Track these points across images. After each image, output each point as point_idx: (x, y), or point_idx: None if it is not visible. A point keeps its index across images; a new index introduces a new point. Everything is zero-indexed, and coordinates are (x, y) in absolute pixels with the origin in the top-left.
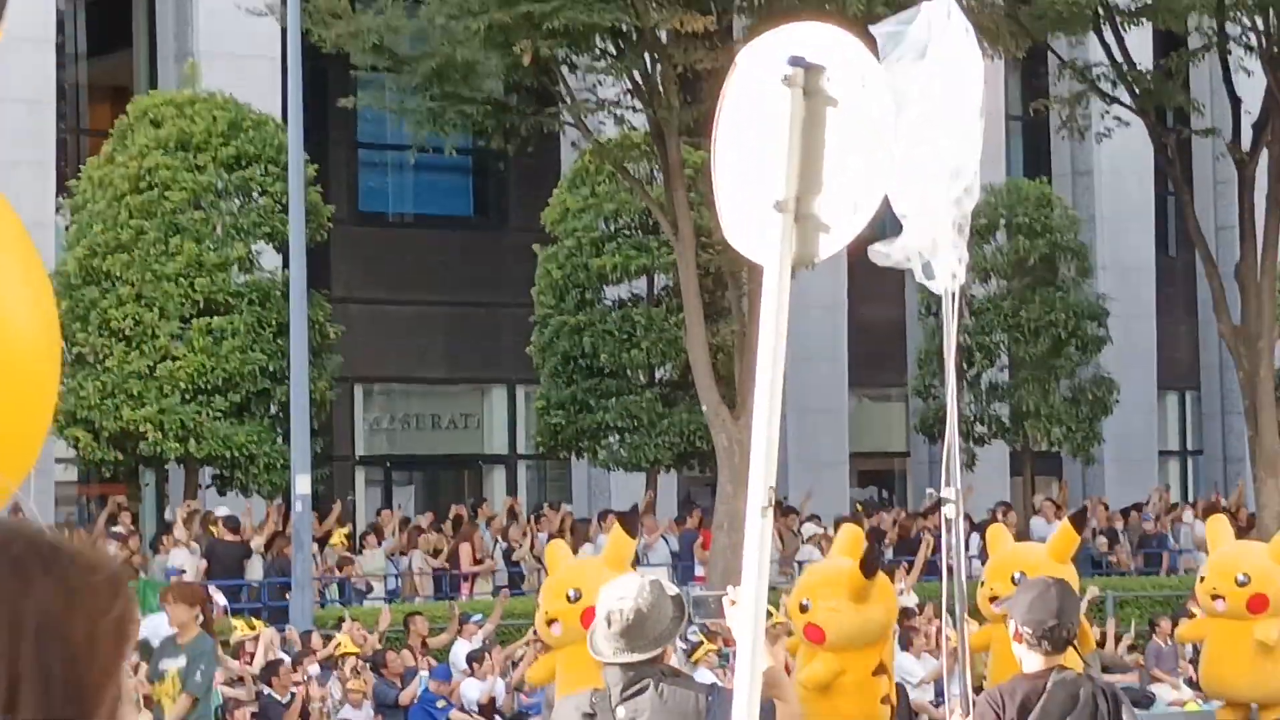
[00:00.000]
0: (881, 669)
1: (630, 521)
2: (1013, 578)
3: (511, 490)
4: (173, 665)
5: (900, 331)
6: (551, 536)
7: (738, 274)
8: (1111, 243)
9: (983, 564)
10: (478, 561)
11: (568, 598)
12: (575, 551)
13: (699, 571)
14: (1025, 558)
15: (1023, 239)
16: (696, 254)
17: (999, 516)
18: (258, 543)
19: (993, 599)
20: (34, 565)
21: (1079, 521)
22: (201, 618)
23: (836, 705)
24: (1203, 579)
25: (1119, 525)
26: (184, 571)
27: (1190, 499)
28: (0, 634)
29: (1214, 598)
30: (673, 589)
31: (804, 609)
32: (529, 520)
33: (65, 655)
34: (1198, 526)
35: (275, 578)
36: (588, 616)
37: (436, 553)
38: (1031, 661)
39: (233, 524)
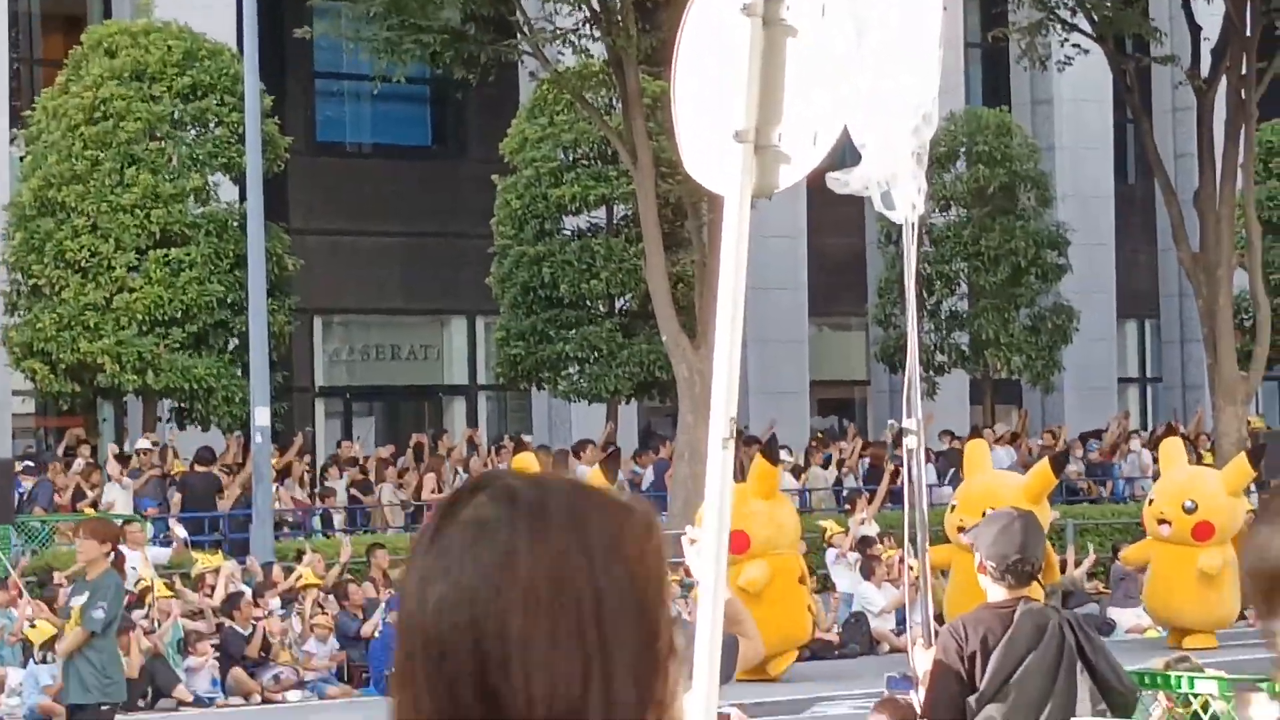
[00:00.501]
0: (803, 579)
1: (610, 465)
2: (984, 514)
3: (472, 421)
4: (78, 601)
5: (860, 260)
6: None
7: (697, 204)
8: (1071, 171)
9: (953, 489)
10: (443, 493)
11: None
12: None
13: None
14: (998, 495)
15: (982, 168)
16: (656, 184)
17: (950, 445)
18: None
19: (960, 529)
20: (588, 503)
21: (1059, 464)
22: (112, 555)
23: (766, 614)
24: (1151, 502)
25: (1077, 453)
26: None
27: (1149, 426)
28: (577, 559)
29: (1160, 522)
30: None
31: None
32: (489, 451)
33: (627, 576)
34: (1144, 455)
35: (239, 510)
36: None
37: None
38: (996, 593)
39: (205, 455)
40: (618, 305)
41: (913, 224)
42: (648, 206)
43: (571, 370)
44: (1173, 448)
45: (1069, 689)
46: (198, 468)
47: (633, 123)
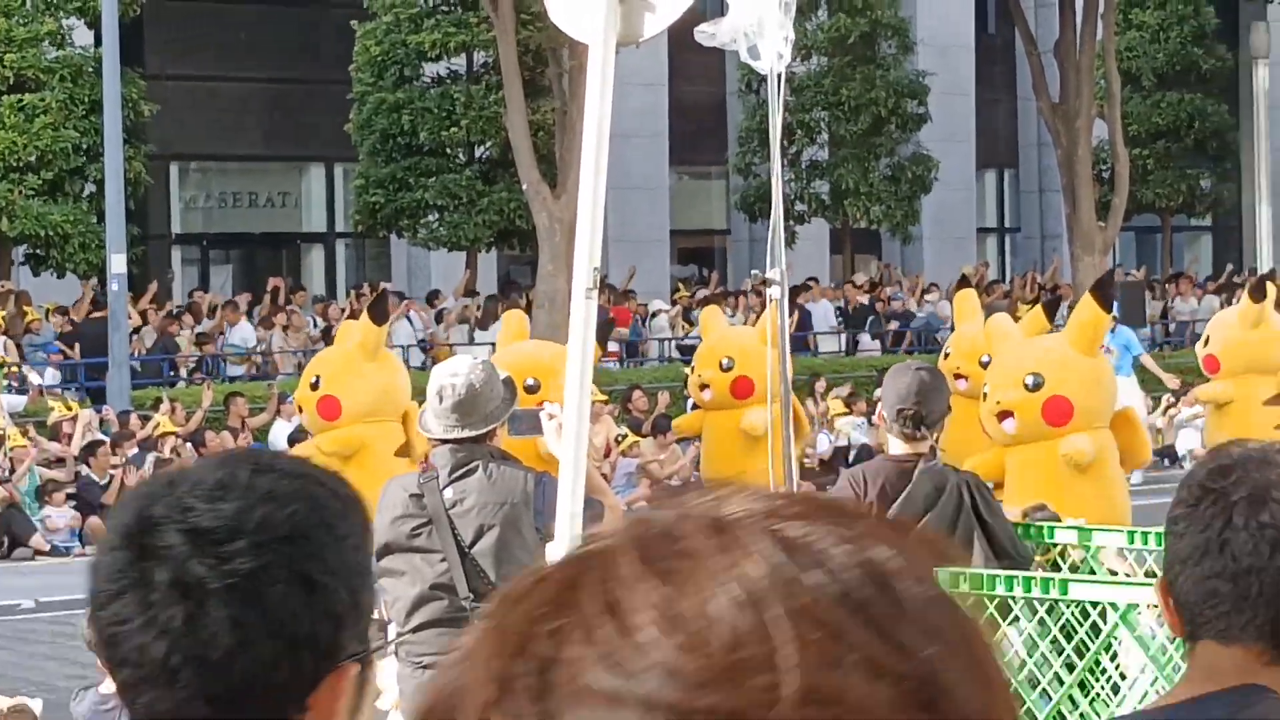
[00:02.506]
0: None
1: (378, 309)
2: (720, 364)
3: (330, 269)
4: None
5: (720, 109)
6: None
7: (558, 51)
8: (931, 20)
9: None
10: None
11: (312, 386)
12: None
13: None
14: (736, 342)
15: (843, 16)
16: (516, 30)
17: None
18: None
19: (703, 386)
20: None
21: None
22: None
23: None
24: (946, 355)
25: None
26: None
27: (1008, 276)
28: None
29: (956, 377)
30: (504, 371)
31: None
32: (349, 296)
33: None
34: (943, 306)
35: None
36: (324, 404)
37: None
38: (895, 445)
39: (100, 300)
40: (477, 153)
41: (779, 74)
42: (508, 54)
43: (431, 218)
44: (966, 300)
45: (964, 551)
46: (94, 314)
47: None
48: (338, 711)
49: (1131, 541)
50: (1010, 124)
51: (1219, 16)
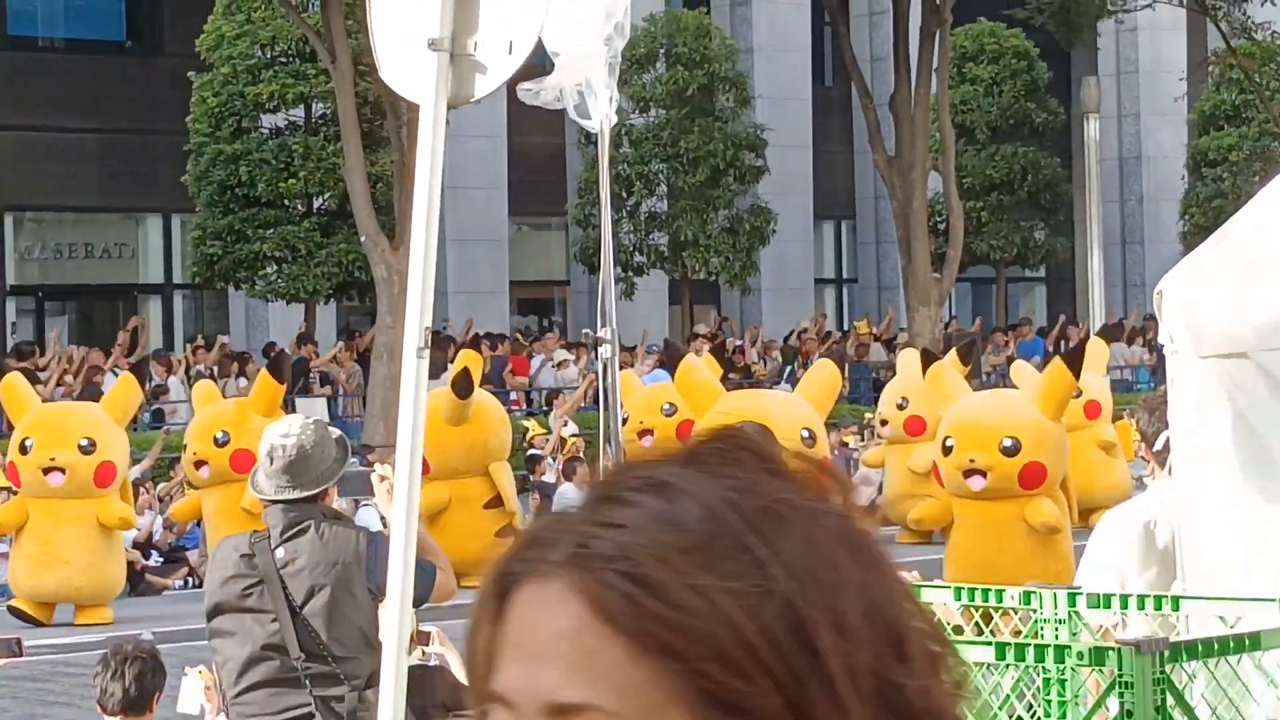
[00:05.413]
0: (498, 501)
1: (277, 368)
2: (662, 409)
3: (168, 320)
4: None
5: (560, 159)
6: (209, 368)
7: (396, 103)
8: (769, 73)
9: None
10: None
11: (215, 440)
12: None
13: None
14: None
15: (682, 69)
16: (355, 82)
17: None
18: None
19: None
20: None
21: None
22: None
23: (444, 543)
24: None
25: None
26: None
27: (845, 327)
28: None
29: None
30: (336, 431)
31: None
32: (186, 349)
33: None
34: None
35: None
36: (236, 459)
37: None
38: None
39: None
40: (316, 204)
41: (606, 134)
42: (346, 105)
43: (269, 270)
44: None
45: None
46: None
47: (331, 20)
48: None
49: (959, 598)
50: (847, 176)
51: (1051, 71)
